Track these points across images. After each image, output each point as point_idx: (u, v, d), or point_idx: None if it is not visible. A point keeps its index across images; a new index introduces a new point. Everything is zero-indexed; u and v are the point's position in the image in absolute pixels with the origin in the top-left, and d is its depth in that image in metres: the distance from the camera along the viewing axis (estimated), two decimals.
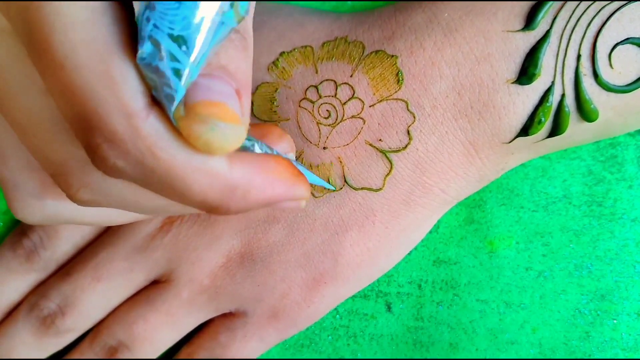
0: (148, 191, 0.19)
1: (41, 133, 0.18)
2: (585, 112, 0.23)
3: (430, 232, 0.27)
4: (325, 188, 0.25)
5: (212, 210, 0.18)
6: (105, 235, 0.26)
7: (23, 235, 0.26)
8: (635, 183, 0.27)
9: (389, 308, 0.27)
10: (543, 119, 0.23)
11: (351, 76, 0.24)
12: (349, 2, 0.28)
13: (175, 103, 0.15)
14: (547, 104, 0.23)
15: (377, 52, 0.24)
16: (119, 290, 0.26)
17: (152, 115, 0.15)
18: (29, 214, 0.21)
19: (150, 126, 0.16)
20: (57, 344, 0.26)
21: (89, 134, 0.16)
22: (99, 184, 0.18)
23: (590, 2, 0.22)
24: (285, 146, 0.21)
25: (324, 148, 0.24)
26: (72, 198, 0.19)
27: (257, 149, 0.19)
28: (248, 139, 0.18)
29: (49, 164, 0.18)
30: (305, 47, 0.25)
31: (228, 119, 0.15)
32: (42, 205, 0.21)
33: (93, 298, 0.26)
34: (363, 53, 0.24)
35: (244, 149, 0.19)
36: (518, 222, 0.27)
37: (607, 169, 0.27)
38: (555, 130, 0.23)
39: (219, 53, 0.16)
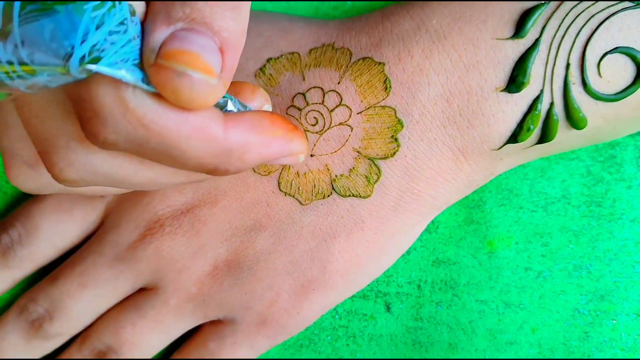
0: (136, 165, 0.19)
1: (34, 105, 0.18)
2: (573, 120, 0.23)
3: (430, 232, 0.27)
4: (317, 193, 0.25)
5: (210, 172, 0.18)
6: (91, 241, 0.26)
7: (2, 231, 0.27)
8: (634, 183, 0.27)
9: (388, 308, 0.28)
10: (532, 126, 0.23)
11: (338, 83, 0.24)
12: (348, 2, 0.28)
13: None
14: (536, 112, 0.23)
15: (364, 59, 0.24)
16: (105, 297, 0.26)
17: (139, 89, 0.16)
18: (23, 182, 0.21)
19: (137, 97, 0.16)
20: (45, 348, 0.27)
21: (81, 108, 0.16)
22: (84, 162, 0.18)
23: (580, 11, 0.23)
24: (261, 100, 0.21)
25: (312, 155, 0.25)
26: (57, 178, 0.19)
27: (230, 106, 0.19)
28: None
29: (37, 139, 0.19)
30: (293, 53, 0.25)
31: (199, 68, 0.16)
32: (36, 174, 0.21)
33: (80, 304, 0.26)
34: (350, 60, 0.25)
35: (216, 106, 0.19)
36: (517, 223, 0.27)
37: (606, 170, 0.27)
38: (544, 137, 0.23)
39: (203, 10, 0.16)
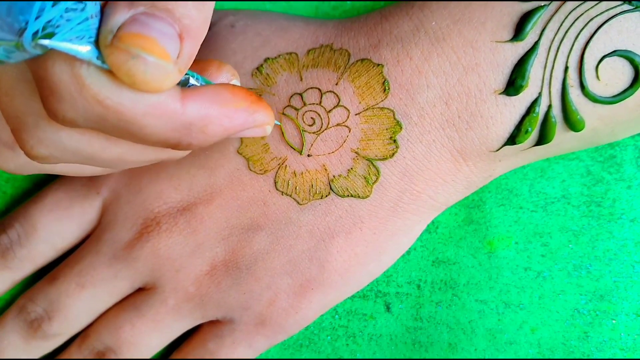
0: (103, 142, 0.19)
1: (4, 83, 0.18)
2: (571, 122, 0.23)
3: (430, 232, 0.28)
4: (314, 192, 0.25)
5: (174, 147, 0.18)
6: (89, 241, 0.26)
7: (1, 232, 0.27)
8: (634, 183, 0.27)
9: (388, 308, 0.28)
10: (530, 128, 0.23)
11: (336, 84, 0.24)
12: (348, 2, 0.28)
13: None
14: (534, 115, 0.23)
15: (362, 60, 0.24)
16: (103, 297, 0.26)
17: (94, 66, 0.16)
18: (3, 163, 0.22)
19: (92, 73, 0.16)
20: (45, 347, 0.27)
21: (40, 85, 0.17)
22: (52, 139, 0.19)
23: (579, 14, 0.23)
24: (227, 76, 0.21)
25: (309, 155, 0.25)
26: (29, 155, 0.19)
27: (192, 82, 0.19)
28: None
29: (8, 116, 0.19)
30: (290, 53, 0.25)
31: (155, 53, 0.16)
32: (14, 155, 0.22)
33: (78, 304, 0.26)
34: (349, 61, 0.25)
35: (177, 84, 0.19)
36: (517, 223, 0.27)
37: (606, 170, 0.27)
38: (542, 139, 0.24)
39: None
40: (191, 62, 0.17)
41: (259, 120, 0.19)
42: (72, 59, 0.16)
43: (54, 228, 0.26)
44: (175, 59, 0.16)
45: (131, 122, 0.17)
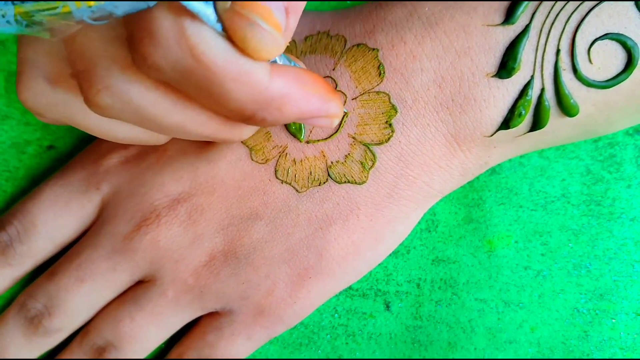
0: (169, 106, 0.19)
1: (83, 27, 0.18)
2: (565, 106, 0.23)
3: (429, 231, 0.28)
4: (311, 181, 0.25)
5: (245, 119, 0.19)
6: (88, 235, 0.27)
7: (0, 229, 0.27)
8: (634, 182, 0.27)
9: (387, 307, 0.28)
10: (523, 112, 0.23)
11: (333, 69, 0.25)
12: (348, 1, 0.28)
13: None
14: (527, 98, 0.23)
15: (358, 45, 0.25)
16: (103, 291, 0.26)
17: (198, 20, 0.17)
18: (34, 96, 0.21)
19: (195, 27, 0.17)
20: (46, 344, 0.27)
21: (135, 27, 0.17)
22: (121, 89, 0.19)
23: None
24: (302, 65, 0.22)
25: (307, 142, 0.25)
26: (91, 101, 0.19)
27: (277, 60, 0.20)
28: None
29: (79, 57, 0.19)
30: None
31: (270, 22, 0.17)
32: (51, 91, 0.21)
33: (78, 298, 0.26)
34: (345, 47, 0.25)
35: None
36: (517, 221, 0.27)
37: (606, 169, 0.27)
38: (536, 124, 0.24)
39: None
40: (292, 36, 0.18)
41: (331, 110, 0.20)
42: (177, 8, 0.16)
43: (53, 223, 0.27)
44: (284, 31, 0.17)
45: (217, 83, 0.17)
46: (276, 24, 0.17)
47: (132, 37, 0.17)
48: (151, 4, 0.16)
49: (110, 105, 0.19)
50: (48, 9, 0.16)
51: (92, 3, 0.16)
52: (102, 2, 0.16)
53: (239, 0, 0.17)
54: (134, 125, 0.21)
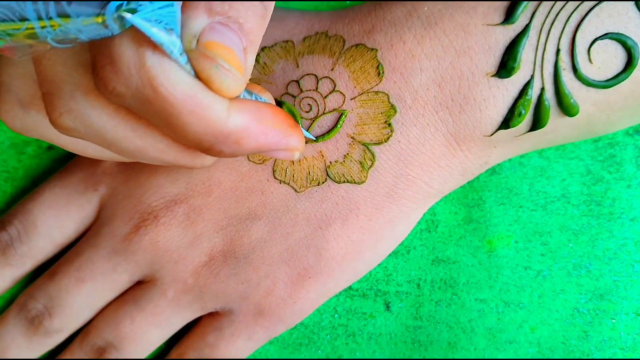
0: (129, 132, 0.20)
1: (49, 49, 0.19)
2: (565, 106, 0.23)
3: (429, 231, 0.28)
4: (308, 181, 0.25)
5: (203, 150, 0.19)
6: (87, 236, 0.27)
7: (0, 229, 0.27)
8: (634, 182, 0.27)
9: (387, 307, 0.28)
10: (523, 111, 0.24)
11: (332, 70, 0.25)
12: (347, 1, 0.28)
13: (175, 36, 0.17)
14: (527, 97, 0.23)
15: (357, 45, 0.25)
16: (103, 291, 0.26)
17: (159, 52, 0.17)
18: (10, 119, 0.22)
19: (156, 58, 0.17)
20: (47, 344, 0.27)
21: (98, 53, 0.17)
22: (82, 113, 0.19)
23: None
24: (268, 96, 0.22)
25: (306, 142, 0.25)
26: (54, 122, 0.19)
27: (240, 96, 0.20)
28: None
29: (45, 80, 0.19)
30: (287, 41, 0.26)
31: (233, 65, 0.18)
32: (25, 114, 0.22)
33: (78, 299, 0.26)
34: (343, 47, 0.25)
35: None
36: (517, 222, 0.27)
37: (606, 169, 0.27)
38: (536, 123, 0.24)
39: (239, 10, 0.18)
40: (250, 75, 0.19)
41: (291, 144, 0.20)
42: (139, 39, 0.17)
43: (53, 224, 0.27)
44: (244, 71, 0.18)
45: (175, 116, 0.18)
46: (238, 65, 0.18)
47: (94, 63, 0.18)
48: (115, 30, 0.16)
49: (72, 127, 0.19)
50: (13, 28, 0.16)
51: (56, 26, 0.16)
52: (66, 26, 0.16)
53: (204, 40, 0.17)
54: (97, 144, 0.21)
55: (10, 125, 0.22)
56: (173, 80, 0.17)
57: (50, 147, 0.29)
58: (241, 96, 0.21)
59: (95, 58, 0.18)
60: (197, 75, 0.18)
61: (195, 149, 0.20)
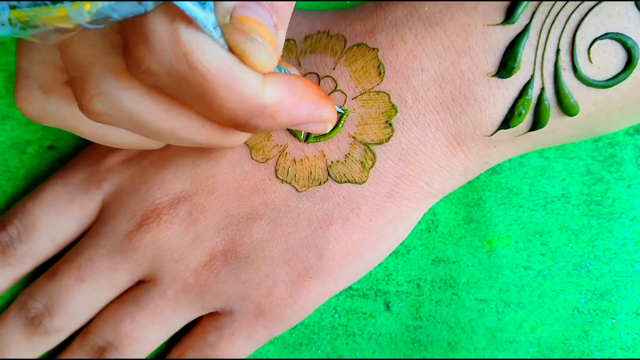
0: (162, 112, 0.19)
1: (79, 32, 0.19)
2: (565, 106, 0.24)
3: (429, 231, 0.28)
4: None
5: (238, 126, 0.19)
6: (88, 235, 0.27)
7: (1, 229, 0.27)
8: (634, 182, 0.27)
9: (387, 307, 0.28)
10: (523, 111, 0.24)
11: (333, 69, 0.25)
12: (348, 1, 0.28)
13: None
14: (527, 97, 0.24)
15: (358, 45, 0.25)
16: (104, 290, 0.26)
17: (193, 26, 0.17)
18: (29, 105, 0.22)
19: (190, 33, 0.17)
20: (47, 344, 0.27)
21: (130, 32, 0.17)
22: (114, 96, 0.19)
23: None
24: (294, 71, 0.22)
25: (307, 141, 0.25)
26: (85, 107, 0.19)
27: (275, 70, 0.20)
28: None
29: (73, 64, 0.19)
30: (289, 40, 0.26)
31: (267, 38, 0.18)
32: (45, 100, 0.22)
33: (79, 298, 0.26)
34: (345, 46, 0.25)
35: None
36: (517, 221, 0.28)
37: (606, 169, 0.27)
38: (536, 123, 0.24)
39: None
40: (282, 50, 0.19)
41: (324, 115, 0.21)
42: (173, 14, 0.17)
43: (53, 223, 0.27)
44: (277, 44, 0.18)
45: (211, 91, 0.18)
46: (271, 40, 0.18)
47: (126, 42, 0.18)
48: (149, 7, 0.16)
49: (103, 111, 0.19)
50: (44, 12, 0.16)
51: (88, 6, 0.16)
52: (100, 5, 0.16)
53: (238, 15, 0.17)
54: (128, 131, 0.21)
55: (27, 111, 0.22)
56: (208, 54, 0.17)
57: (52, 147, 0.29)
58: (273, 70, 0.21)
59: (128, 37, 0.17)
60: (231, 50, 0.18)
61: (229, 126, 0.20)
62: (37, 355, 0.27)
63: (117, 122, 0.20)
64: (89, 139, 0.23)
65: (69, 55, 0.19)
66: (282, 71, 0.21)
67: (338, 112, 0.25)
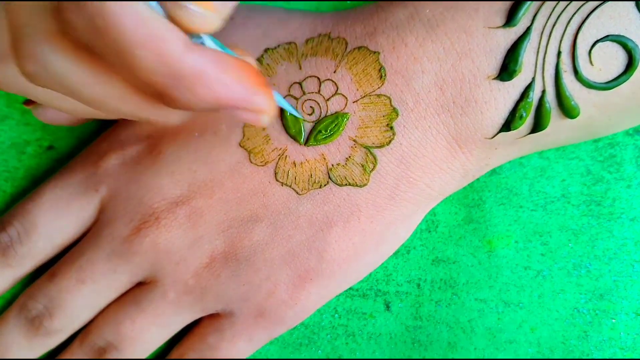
0: (89, 77, 0.19)
1: None
2: (566, 108, 0.24)
3: (429, 231, 0.28)
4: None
5: (157, 95, 0.18)
6: (88, 236, 0.27)
7: (0, 230, 0.27)
8: (634, 182, 0.27)
9: (387, 307, 0.28)
10: (524, 114, 0.24)
11: (334, 72, 0.25)
12: (348, 1, 0.28)
13: None
14: (528, 100, 0.23)
15: (359, 48, 0.25)
16: (104, 292, 0.26)
17: None
18: None
19: None
20: (48, 344, 0.27)
21: None
22: (44, 57, 0.19)
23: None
24: (249, 60, 0.21)
25: (307, 144, 0.25)
26: (20, 68, 0.19)
27: (207, 43, 0.19)
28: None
29: (11, 25, 0.19)
30: (290, 43, 0.26)
31: (202, 4, 0.17)
32: (4, 67, 0.22)
33: (79, 299, 0.26)
34: (346, 49, 0.25)
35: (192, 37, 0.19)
36: (517, 222, 0.28)
37: (606, 169, 0.27)
38: (537, 126, 0.24)
39: None
40: (230, 8, 0.18)
41: (257, 103, 0.19)
42: None
43: (53, 225, 0.27)
44: (217, 8, 0.17)
45: (127, 47, 0.17)
46: (208, 5, 0.17)
47: None
48: None
49: (35, 73, 0.19)
50: None
51: None
52: None
53: None
54: (63, 93, 0.20)
55: None
56: (124, 7, 0.16)
57: (51, 147, 0.29)
58: (211, 45, 0.19)
59: None
60: (168, 17, 0.17)
61: (150, 95, 0.19)
62: (38, 355, 0.27)
63: (51, 85, 0.19)
64: (45, 104, 0.23)
65: (10, 18, 0.19)
66: (226, 51, 0.20)
67: (293, 114, 0.24)
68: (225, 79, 0.18)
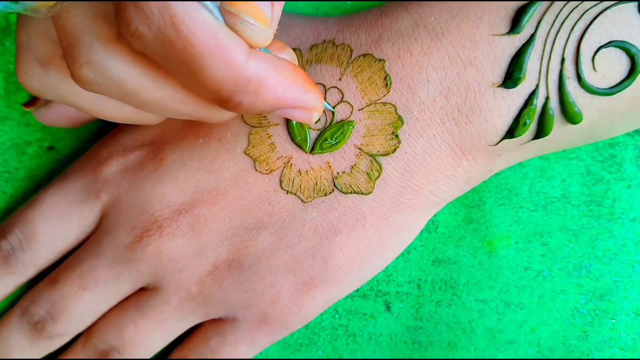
0: (149, 81, 0.20)
1: (68, 3, 0.19)
2: (569, 114, 0.24)
3: (430, 232, 0.28)
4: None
5: (223, 101, 0.19)
6: (89, 243, 0.27)
7: (1, 237, 0.27)
8: (634, 183, 0.27)
9: (388, 307, 0.28)
10: (528, 121, 0.24)
11: (340, 80, 0.25)
12: (348, 2, 0.28)
13: None
14: (532, 107, 0.23)
15: (365, 55, 0.25)
16: (106, 298, 0.26)
17: None
18: (29, 78, 0.22)
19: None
20: (50, 347, 0.27)
21: None
22: (102, 63, 0.19)
23: (574, 5, 0.23)
24: (288, 53, 0.22)
25: (313, 153, 0.25)
26: (75, 75, 0.20)
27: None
28: None
29: (65, 34, 0.19)
30: (294, 50, 0.26)
31: (258, 19, 0.18)
32: (44, 73, 0.22)
33: (81, 305, 0.26)
34: (351, 56, 0.25)
35: None
36: (517, 222, 0.28)
37: (606, 169, 0.27)
38: (540, 132, 0.24)
39: None
40: (277, 24, 0.19)
41: (310, 101, 0.20)
42: None
43: (54, 232, 0.27)
44: (271, 22, 0.19)
45: (195, 57, 0.18)
46: (264, 19, 0.18)
47: (117, 5, 0.18)
48: None
49: (92, 79, 0.19)
50: None
51: None
52: None
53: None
54: (119, 101, 0.21)
55: (28, 85, 0.22)
56: (195, 19, 0.17)
57: (51, 148, 0.29)
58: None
59: (119, 1, 0.18)
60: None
61: (213, 102, 0.20)
62: (41, 356, 0.27)
63: (107, 91, 0.20)
64: (86, 112, 0.23)
65: (61, 26, 0.19)
66: (265, 51, 0.21)
67: (328, 109, 0.25)
68: (284, 82, 0.19)
